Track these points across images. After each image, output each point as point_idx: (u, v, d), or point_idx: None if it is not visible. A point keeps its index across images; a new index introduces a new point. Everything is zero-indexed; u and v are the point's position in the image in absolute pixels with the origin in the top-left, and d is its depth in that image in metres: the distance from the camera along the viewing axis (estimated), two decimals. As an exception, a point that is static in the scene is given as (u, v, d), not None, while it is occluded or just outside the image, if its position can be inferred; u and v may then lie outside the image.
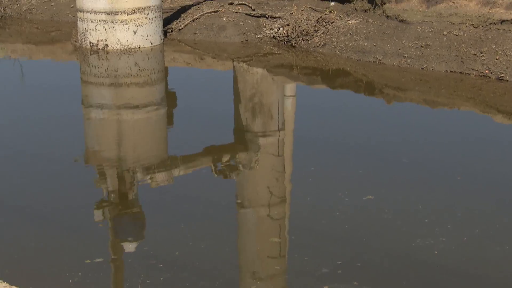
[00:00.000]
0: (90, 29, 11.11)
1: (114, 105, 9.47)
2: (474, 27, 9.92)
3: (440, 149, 7.48)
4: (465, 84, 9.38)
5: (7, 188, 6.74)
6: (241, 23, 12.02)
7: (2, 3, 14.01)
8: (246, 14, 12.15)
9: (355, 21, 11.10)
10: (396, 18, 10.63)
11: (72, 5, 13.10)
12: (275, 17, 11.94)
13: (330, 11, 11.53)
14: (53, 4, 13.88)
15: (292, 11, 11.71)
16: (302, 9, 11.70)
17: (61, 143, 7.87)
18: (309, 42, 11.17)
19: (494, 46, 9.61)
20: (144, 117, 9.02)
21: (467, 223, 5.82)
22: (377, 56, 10.36)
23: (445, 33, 10.07)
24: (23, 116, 8.78)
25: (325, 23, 11.30)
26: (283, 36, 11.46)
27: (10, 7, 14.01)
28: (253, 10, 12.19)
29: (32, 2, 14.01)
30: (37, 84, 10.42)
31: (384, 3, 10.90)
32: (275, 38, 11.60)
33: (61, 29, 13.00)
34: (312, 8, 11.81)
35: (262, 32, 11.80)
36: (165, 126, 8.80)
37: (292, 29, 11.33)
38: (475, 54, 9.66)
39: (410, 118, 8.62)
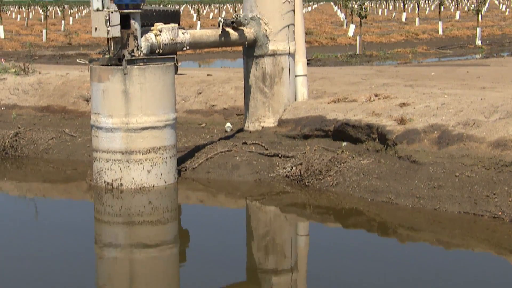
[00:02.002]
0: (105, 168, 11.25)
1: (127, 243, 9.49)
2: (486, 168, 9.99)
3: (455, 292, 7.40)
4: (478, 226, 9.35)
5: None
6: (254, 162, 12.15)
7: (19, 143, 14.26)
8: (259, 153, 12.30)
9: (368, 161, 11.21)
10: (408, 159, 10.73)
11: (88, 145, 13.33)
12: (288, 157, 12.08)
13: (342, 151, 11.66)
14: (69, 144, 14.12)
15: (304, 151, 11.86)
16: (314, 148, 11.85)
17: (72, 282, 7.83)
18: (322, 181, 11.25)
19: (506, 188, 9.64)
20: (156, 256, 9.02)
21: None
22: (390, 196, 10.40)
23: (457, 174, 10.14)
24: (36, 254, 8.79)
25: (338, 162, 11.41)
26: (296, 175, 11.55)
27: (27, 147, 14.26)
28: (266, 149, 12.35)
29: (49, 142, 14.26)
30: (51, 222, 10.48)
31: (396, 144, 11.03)
32: (288, 177, 11.69)
33: (77, 168, 13.17)
34: (324, 147, 11.96)
35: (275, 171, 11.91)
36: (177, 265, 8.79)
37: (305, 168, 11.43)
38: (488, 196, 9.69)
39: (424, 259, 8.55)
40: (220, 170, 12.16)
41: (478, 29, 36.12)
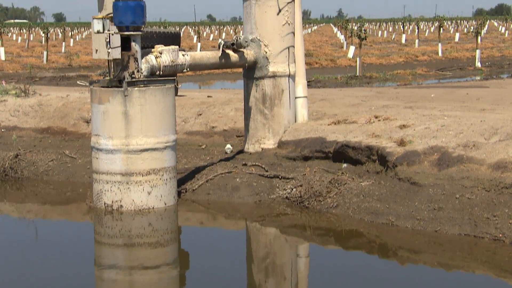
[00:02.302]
0: (105, 190, 11.24)
1: (127, 265, 9.46)
2: (486, 190, 9.99)
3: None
4: (479, 248, 9.33)
5: None
6: (254, 184, 12.15)
7: (19, 165, 14.26)
8: (260, 175, 12.29)
9: (368, 183, 11.21)
10: (408, 181, 10.72)
11: (88, 167, 13.33)
12: (288, 178, 12.07)
13: (342, 173, 11.66)
14: (69, 165, 14.12)
15: (304, 172, 11.85)
16: (314, 170, 11.84)
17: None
18: (322, 203, 11.24)
19: (507, 210, 9.63)
20: (156, 278, 8.99)
21: None
22: (390, 218, 10.38)
23: (457, 196, 10.13)
24: (35, 276, 8.76)
25: (338, 184, 11.41)
26: (296, 197, 11.54)
27: (27, 168, 14.26)
28: (266, 171, 12.34)
29: (49, 163, 14.27)
30: (50, 244, 10.46)
31: (396, 166, 11.04)
32: (288, 199, 11.68)
33: (77, 190, 13.16)
34: (324, 169, 11.96)
35: (275, 193, 11.90)
36: (177, 287, 8.76)
37: (305, 190, 11.42)
38: (488, 218, 9.67)
39: (424, 281, 8.53)
40: (220, 191, 12.16)
41: (478, 51, 36.23)
